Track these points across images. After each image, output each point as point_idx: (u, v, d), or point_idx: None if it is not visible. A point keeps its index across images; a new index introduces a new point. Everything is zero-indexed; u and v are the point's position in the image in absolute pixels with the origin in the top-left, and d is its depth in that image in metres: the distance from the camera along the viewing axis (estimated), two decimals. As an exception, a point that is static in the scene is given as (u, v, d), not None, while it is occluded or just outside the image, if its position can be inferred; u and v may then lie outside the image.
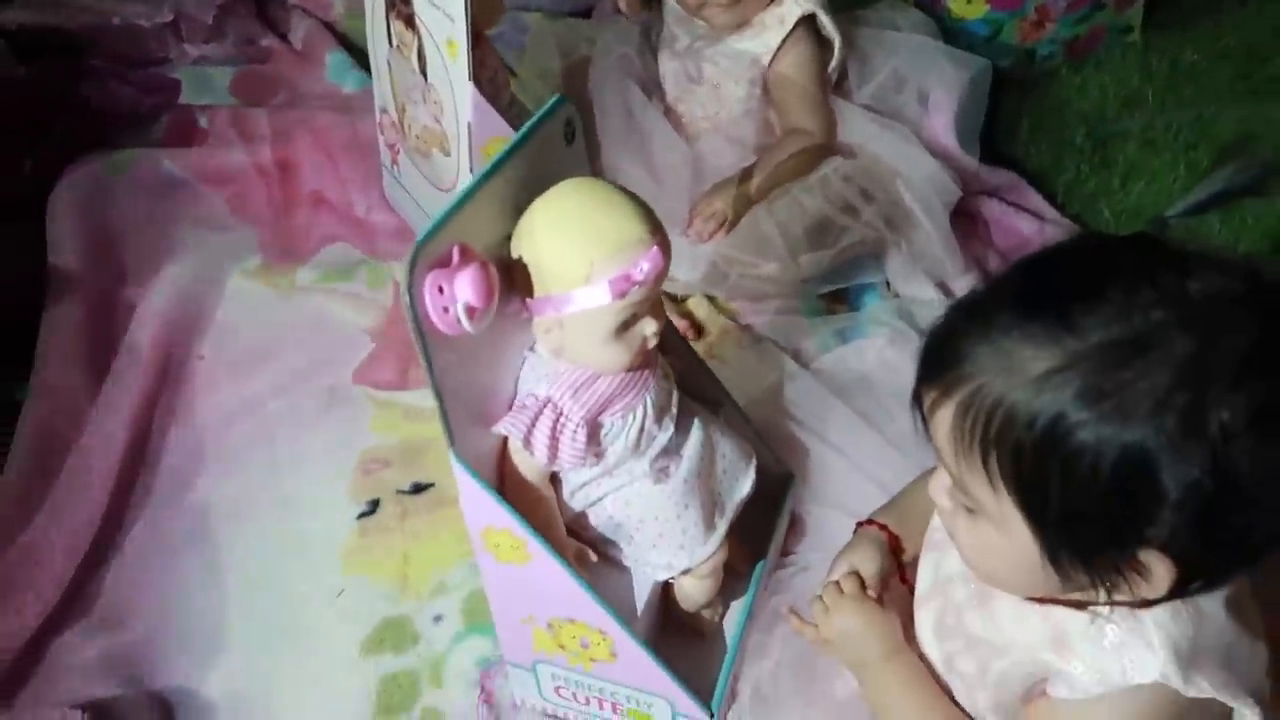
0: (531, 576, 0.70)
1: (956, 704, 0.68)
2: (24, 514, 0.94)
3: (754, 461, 0.81)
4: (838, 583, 0.74)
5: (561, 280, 0.64)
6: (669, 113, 1.29)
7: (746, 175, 1.18)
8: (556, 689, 0.79)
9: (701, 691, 0.76)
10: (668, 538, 0.75)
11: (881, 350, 1.02)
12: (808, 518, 0.91)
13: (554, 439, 0.68)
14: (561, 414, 0.69)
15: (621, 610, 0.73)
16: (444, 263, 0.60)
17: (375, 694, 0.83)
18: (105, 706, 0.79)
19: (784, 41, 1.19)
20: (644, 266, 0.64)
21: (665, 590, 0.81)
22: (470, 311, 0.60)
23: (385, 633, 0.87)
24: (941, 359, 0.55)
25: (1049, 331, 0.50)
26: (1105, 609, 0.58)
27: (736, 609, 0.84)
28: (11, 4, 1.39)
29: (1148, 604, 0.56)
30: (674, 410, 0.75)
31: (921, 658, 0.70)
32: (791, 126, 1.22)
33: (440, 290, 0.59)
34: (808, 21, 1.20)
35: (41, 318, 1.08)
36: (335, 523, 0.95)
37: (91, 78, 1.37)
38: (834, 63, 1.24)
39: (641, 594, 0.77)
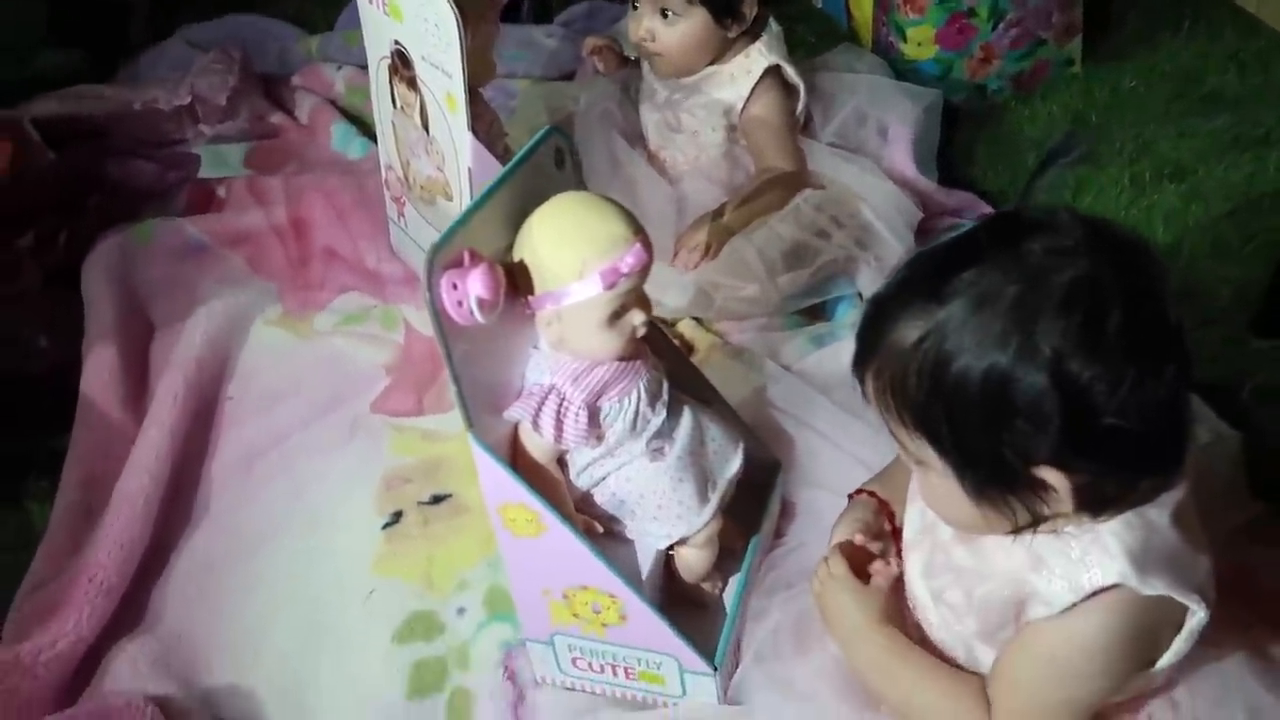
0: (546, 547, 0.78)
1: (948, 661, 0.76)
2: (74, 545, 1.02)
3: (741, 444, 0.90)
4: (826, 560, 0.82)
5: (559, 276, 0.74)
6: (652, 159, 1.40)
7: (725, 209, 1.29)
8: (574, 660, 0.86)
9: (706, 653, 0.83)
10: (666, 509, 0.83)
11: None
12: (798, 501, 0.99)
13: (559, 421, 0.77)
14: (565, 399, 0.78)
15: (629, 576, 0.81)
16: (457, 264, 0.70)
17: (408, 678, 0.90)
18: (163, 700, 0.86)
19: (753, 90, 1.31)
20: (629, 260, 0.73)
21: (668, 566, 0.89)
22: (481, 304, 0.70)
23: (414, 624, 0.94)
24: (861, 342, 0.68)
25: (924, 306, 0.63)
26: (1070, 528, 0.66)
27: (735, 584, 0.92)
28: (41, 97, 1.52)
29: (1097, 516, 0.65)
30: (665, 397, 0.84)
31: (911, 601, 0.78)
32: (765, 165, 1.33)
33: (454, 287, 0.69)
34: (773, 71, 1.32)
35: (80, 376, 1.18)
36: (362, 534, 1.02)
37: (116, 157, 1.49)
38: (800, 106, 1.36)
39: (645, 562, 0.85)
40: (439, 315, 0.69)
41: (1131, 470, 0.63)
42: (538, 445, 0.79)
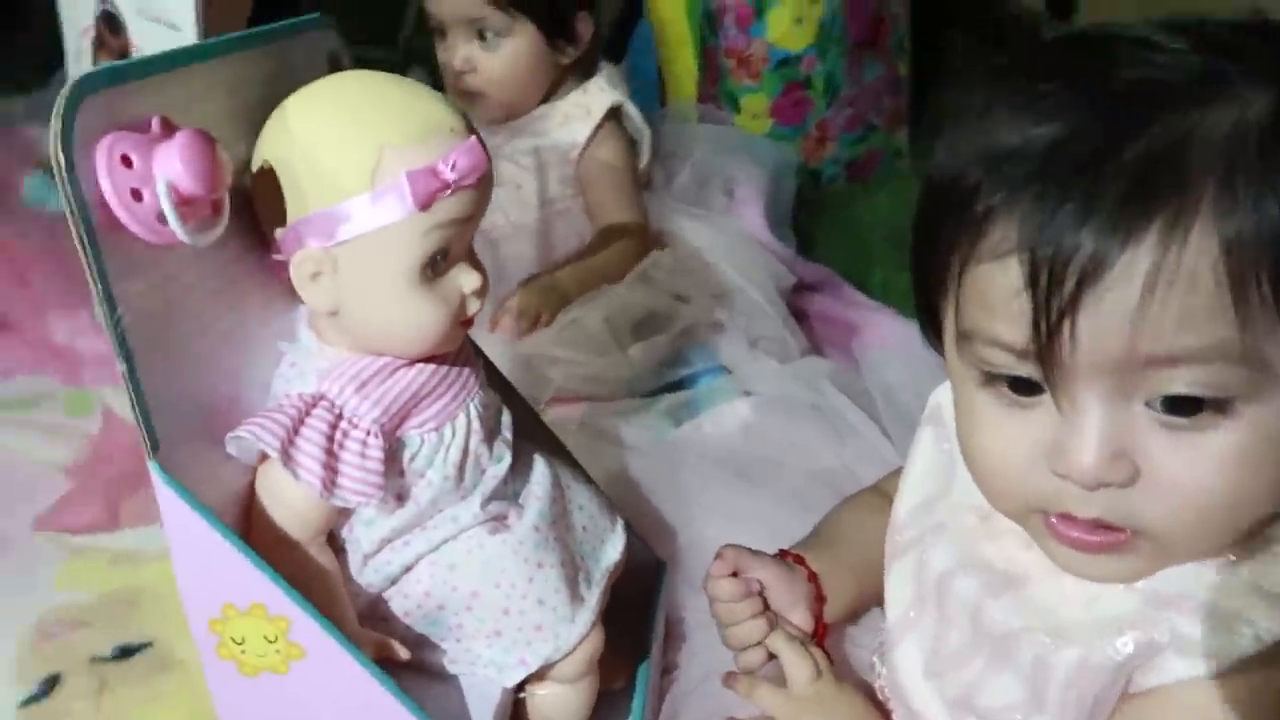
0: (304, 693, 0.43)
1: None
2: None
3: (620, 520, 0.58)
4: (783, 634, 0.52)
5: (334, 184, 0.42)
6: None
7: (559, 271, 1.04)
8: None
9: None
10: (516, 616, 0.49)
11: (744, 416, 0.84)
12: (688, 616, 0.67)
13: (330, 452, 0.44)
14: (342, 417, 0.45)
15: (454, 739, 0.46)
16: (135, 129, 0.38)
17: None
18: None
19: (594, 134, 1.09)
20: (456, 161, 0.43)
21: (516, 714, 0.54)
22: (179, 198, 0.37)
23: None
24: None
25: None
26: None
27: (619, 747, 0.58)
28: None
29: None
30: (507, 435, 0.53)
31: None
32: (606, 224, 1.10)
33: (127, 162, 0.36)
34: (615, 113, 1.11)
35: None
36: (-16, 718, 0.61)
37: None
38: (645, 155, 1.15)
39: (482, 714, 0.50)
40: (84, 209, 0.36)
41: None
42: (294, 502, 0.45)
